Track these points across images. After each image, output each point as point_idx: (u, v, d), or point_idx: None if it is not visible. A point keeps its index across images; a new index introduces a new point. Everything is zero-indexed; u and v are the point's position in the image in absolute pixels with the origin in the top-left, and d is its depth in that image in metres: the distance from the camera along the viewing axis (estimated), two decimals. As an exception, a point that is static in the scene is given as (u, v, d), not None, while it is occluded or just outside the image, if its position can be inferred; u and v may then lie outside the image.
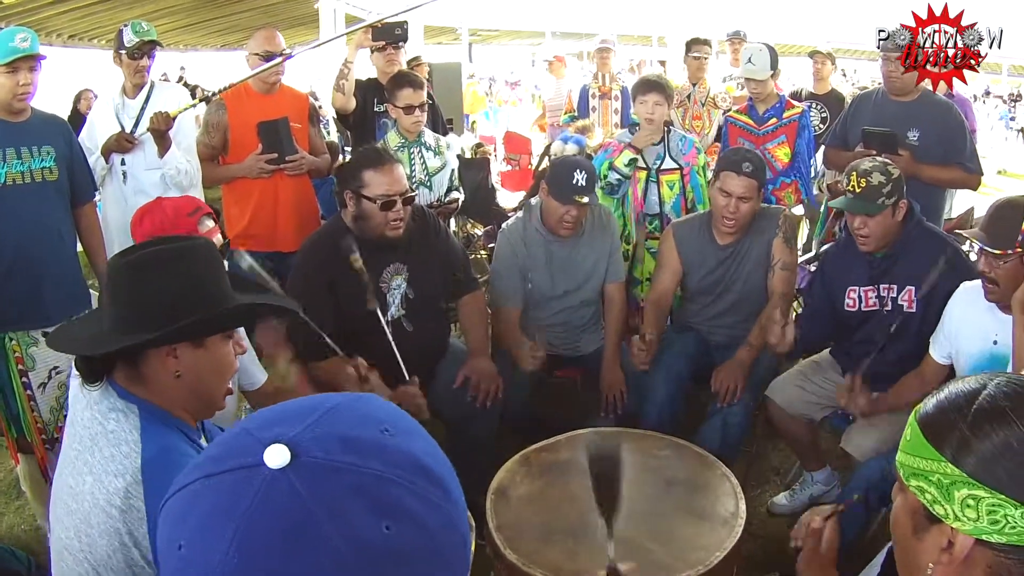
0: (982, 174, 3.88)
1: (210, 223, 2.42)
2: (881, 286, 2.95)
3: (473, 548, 0.72)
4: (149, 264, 1.46)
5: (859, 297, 3.00)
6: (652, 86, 3.87)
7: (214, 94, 3.84)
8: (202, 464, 0.66)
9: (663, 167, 3.90)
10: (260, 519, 0.59)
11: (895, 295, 2.92)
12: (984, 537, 0.97)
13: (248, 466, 0.62)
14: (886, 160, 2.95)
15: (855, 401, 2.78)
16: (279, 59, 3.74)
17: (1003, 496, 0.95)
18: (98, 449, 1.41)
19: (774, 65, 4.25)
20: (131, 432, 1.41)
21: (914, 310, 2.89)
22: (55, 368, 3.03)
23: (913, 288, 2.88)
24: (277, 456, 0.61)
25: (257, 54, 3.80)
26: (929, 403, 1.07)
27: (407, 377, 2.73)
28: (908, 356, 2.85)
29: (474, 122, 13.48)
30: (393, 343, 2.69)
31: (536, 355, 3.13)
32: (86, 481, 1.39)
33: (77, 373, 1.48)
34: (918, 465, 1.03)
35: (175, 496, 0.66)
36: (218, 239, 2.43)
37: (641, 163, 3.88)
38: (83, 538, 1.36)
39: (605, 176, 3.85)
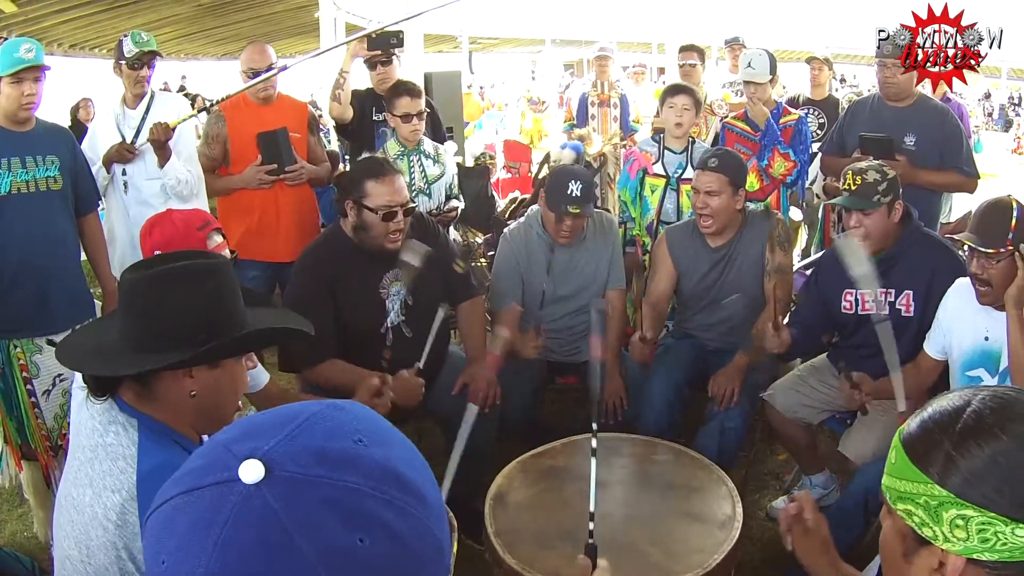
0: (979, 178, 3.90)
1: (219, 238, 2.42)
2: (878, 290, 2.97)
3: (455, 549, 0.74)
4: (169, 280, 1.42)
5: (856, 300, 3.01)
6: (679, 90, 3.91)
7: (213, 104, 3.86)
8: (181, 479, 0.67)
9: (684, 176, 3.89)
10: (236, 535, 0.61)
11: (893, 299, 2.93)
12: (976, 556, 0.95)
13: (224, 481, 0.63)
14: (882, 162, 2.97)
15: (861, 390, 2.73)
16: (271, 72, 3.74)
17: (992, 514, 0.93)
18: (98, 462, 1.40)
19: (773, 70, 4.27)
20: (129, 447, 1.40)
21: (912, 314, 2.90)
22: (59, 375, 3.04)
23: (911, 292, 2.89)
24: (251, 471, 0.62)
25: (244, 72, 3.83)
26: (912, 424, 1.04)
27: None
28: (906, 360, 2.87)
29: (471, 130, 13.47)
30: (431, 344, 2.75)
31: (536, 344, 3.14)
32: (86, 494, 1.39)
33: (83, 385, 1.47)
34: (904, 488, 1.01)
35: (157, 511, 0.67)
36: (226, 254, 2.43)
37: (661, 171, 3.91)
38: (83, 549, 1.36)
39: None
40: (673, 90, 3.95)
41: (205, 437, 1.59)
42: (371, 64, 4.27)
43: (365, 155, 3.38)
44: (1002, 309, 2.38)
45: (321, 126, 9.87)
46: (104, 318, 1.72)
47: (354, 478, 0.64)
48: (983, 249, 2.35)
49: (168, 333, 1.40)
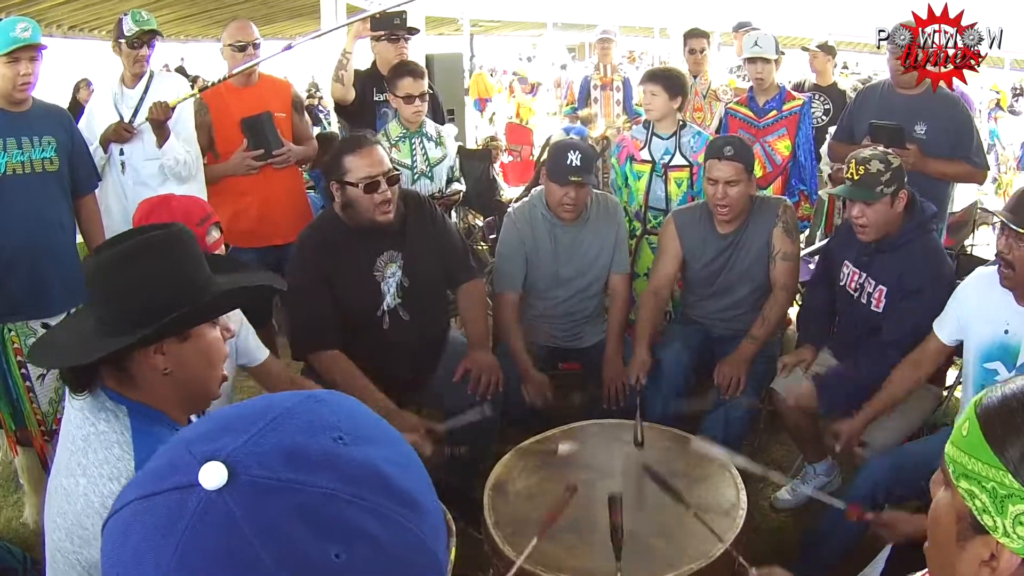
0: (988, 168, 3.85)
1: (216, 233, 2.42)
2: (865, 275, 2.94)
3: (453, 555, 0.66)
4: (124, 261, 1.40)
5: (848, 275, 3.00)
6: (649, 76, 3.89)
7: (212, 84, 3.81)
8: (140, 482, 0.60)
9: (672, 163, 3.84)
10: (194, 548, 0.54)
11: (871, 290, 2.91)
12: None
13: (183, 487, 0.56)
14: (887, 150, 2.92)
15: (844, 443, 2.77)
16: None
17: None
18: (91, 451, 1.37)
19: (777, 51, 4.23)
20: (122, 433, 1.38)
21: (880, 310, 2.87)
22: (54, 360, 3.01)
23: (884, 288, 2.86)
24: (213, 476, 0.55)
25: (231, 45, 3.75)
26: (993, 397, 0.95)
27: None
28: (863, 357, 2.84)
29: (494, 113, 13.43)
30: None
31: (546, 390, 3.15)
32: (79, 483, 1.36)
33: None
34: (972, 467, 0.93)
35: (113, 518, 0.60)
36: (222, 250, 2.43)
37: (647, 157, 3.86)
38: (75, 540, 1.33)
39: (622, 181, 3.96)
40: (644, 77, 3.95)
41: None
42: (393, 39, 4.21)
43: None
44: (1022, 302, 2.34)
45: (322, 107, 9.79)
46: (82, 310, 1.69)
47: (330, 482, 0.56)
48: (1015, 227, 2.29)
49: (134, 312, 1.38)
